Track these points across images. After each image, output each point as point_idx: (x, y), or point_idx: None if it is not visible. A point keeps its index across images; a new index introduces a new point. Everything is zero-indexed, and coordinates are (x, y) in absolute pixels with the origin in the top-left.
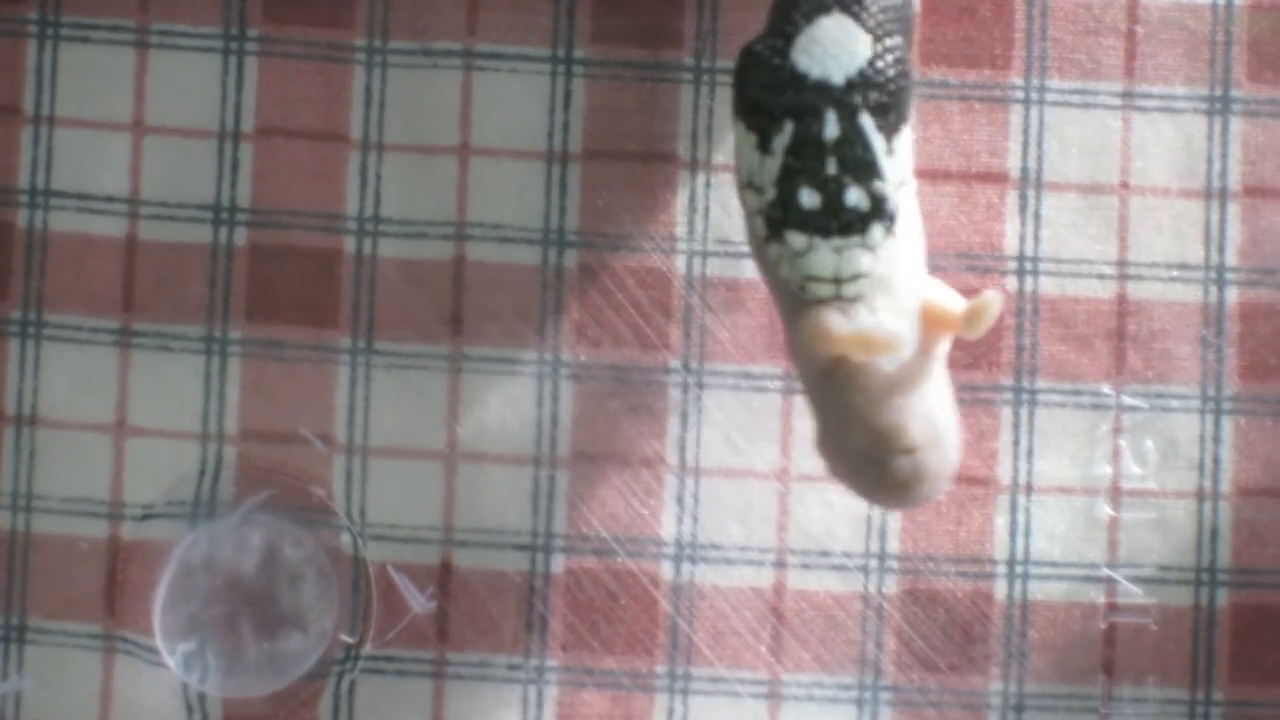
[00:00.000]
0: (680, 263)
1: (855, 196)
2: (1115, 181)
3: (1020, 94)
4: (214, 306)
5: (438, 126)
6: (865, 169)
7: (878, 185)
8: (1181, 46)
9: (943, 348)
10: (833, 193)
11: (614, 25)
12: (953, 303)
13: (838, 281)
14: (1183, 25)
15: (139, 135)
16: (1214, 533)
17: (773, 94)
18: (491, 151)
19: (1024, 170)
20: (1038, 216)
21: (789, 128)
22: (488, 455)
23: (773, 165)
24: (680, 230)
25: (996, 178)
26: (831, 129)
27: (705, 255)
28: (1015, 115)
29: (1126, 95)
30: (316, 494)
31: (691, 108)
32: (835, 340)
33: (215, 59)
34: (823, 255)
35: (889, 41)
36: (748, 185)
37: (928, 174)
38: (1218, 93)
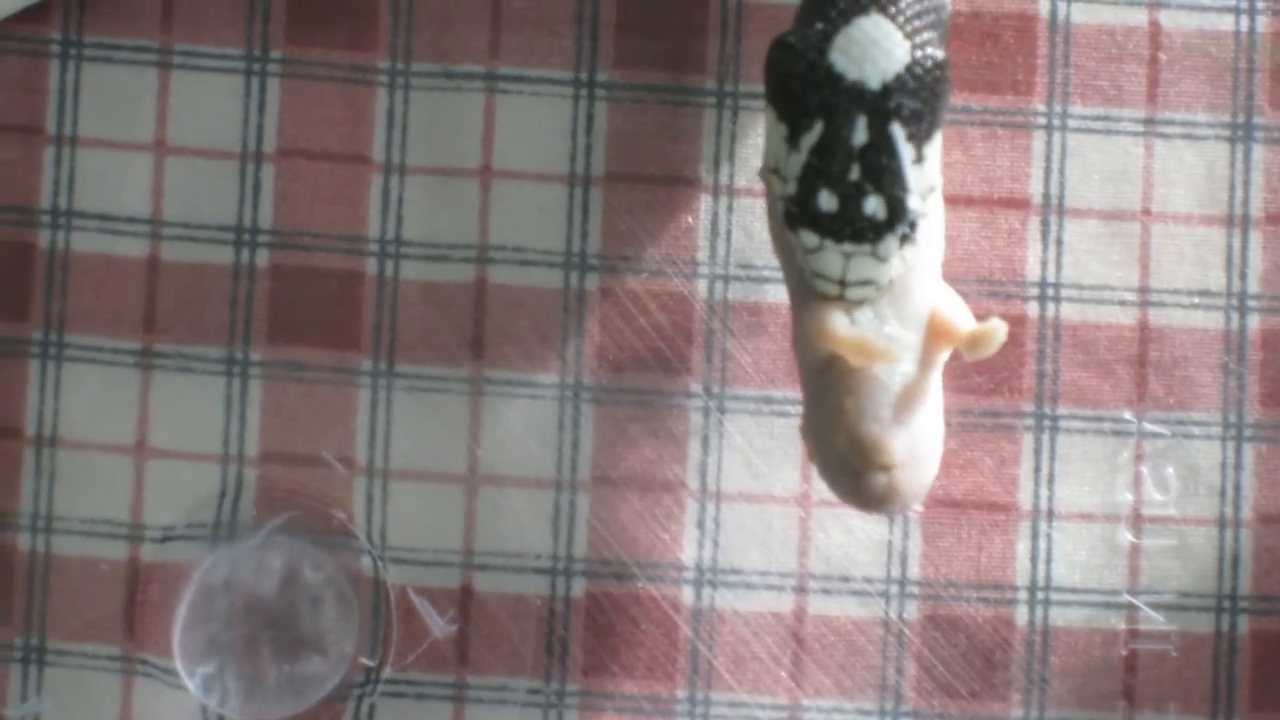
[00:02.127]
0: (702, 286)
1: (874, 205)
2: (1137, 208)
3: (1043, 120)
4: (235, 328)
5: (460, 149)
6: (889, 178)
7: (899, 195)
8: (1204, 73)
9: (942, 359)
10: (852, 199)
11: (636, 49)
12: (960, 318)
13: (843, 284)
14: (1205, 52)
15: (161, 156)
16: (1235, 560)
17: (807, 90)
18: (513, 174)
19: (1046, 196)
20: (1059, 242)
21: (818, 127)
22: (508, 478)
23: (797, 160)
24: (702, 254)
25: (1019, 203)
26: (860, 134)
27: (727, 279)
28: (1038, 141)
29: (1149, 122)
30: (337, 516)
31: (714, 132)
32: (834, 340)
33: (238, 80)
34: (831, 257)
35: (927, 48)
36: (774, 170)
37: (950, 199)
38: (1240, 120)
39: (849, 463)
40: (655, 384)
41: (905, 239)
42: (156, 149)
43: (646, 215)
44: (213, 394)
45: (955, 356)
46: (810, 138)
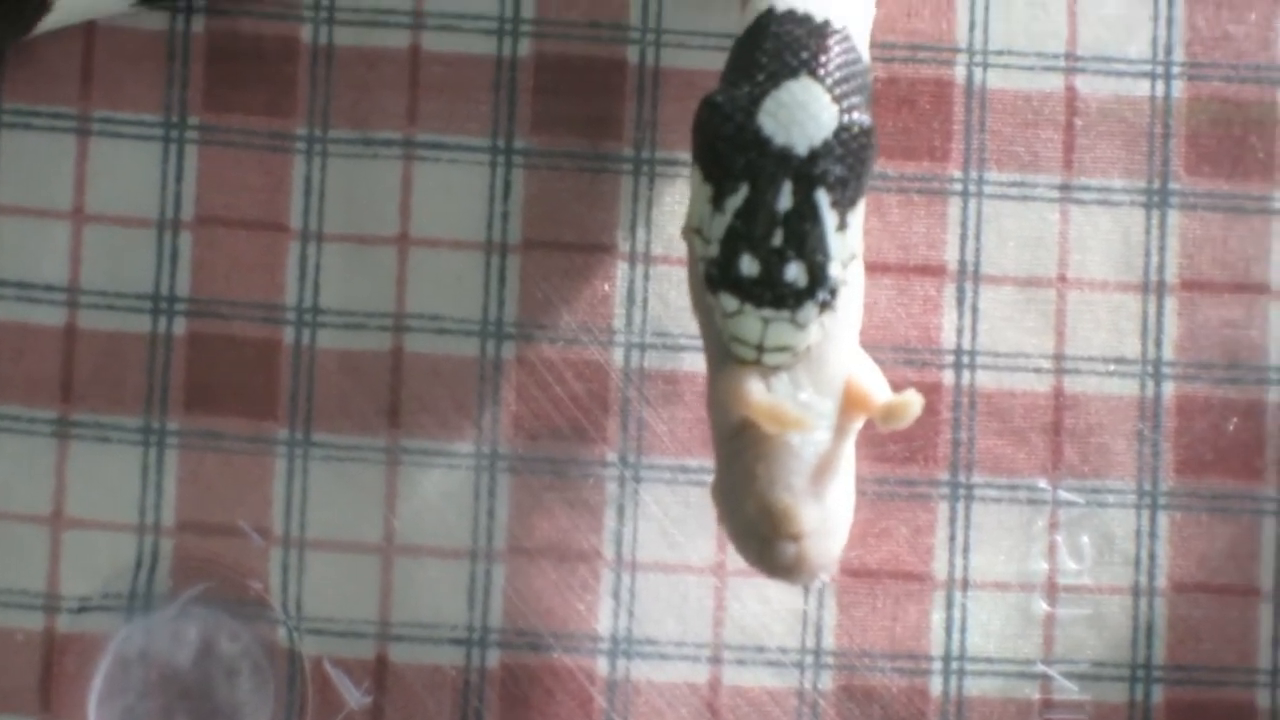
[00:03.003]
0: (618, 355)
1: (795, 272)
2: (1053, 274)
3: (959, 186)
4: (152, 397)
5: (377, 216)
6: (812, 245)
7: (820, 262)
8: (1120, 139)
9: (857, 427)
10: (773, 264)
11: (554, 115)
12: (877, 388)
13: (761, 349)
14: (1121, 118)
15: (79, 223)
16: (1149, 629)
17: (734, 152)
18: (431, 242)
19: (962, 263)
20: (975, 309)
21: (744, 190)
22: (424, 548)
23: (721, 222)
24: (618, 322)
25: (934, 270)
26: (785, 200)
27: (643, 347)
28: (954, 207)
29: (1065, 188)
30: (253, 587)
31: (631, 198)
32: (748, 405)
33: (156, 147)
34: (750, 322)
35: (854, 113)
36: (697, 231)
37: (866, 266)
38: (1155, 185)
39: (758, 529)
40: (571, 453)
41: (825, 306)
42: (74, 216)
43: (563, 283)
44: (129, 463)
45: (870, 424)
46: (735, 200)
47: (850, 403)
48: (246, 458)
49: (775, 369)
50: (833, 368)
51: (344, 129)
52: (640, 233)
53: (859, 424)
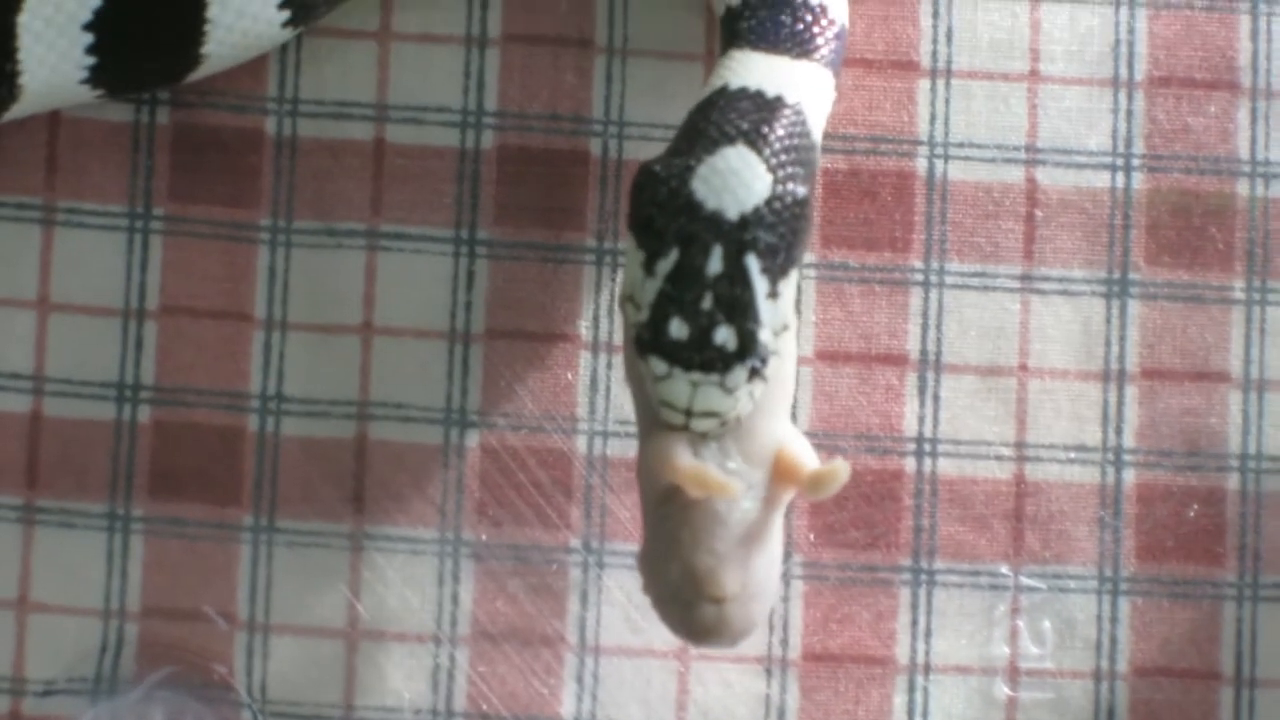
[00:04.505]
0: (581, 443)
1: (724, 335)
2: (1014, 363)
3: (920, 276)
4: (117, 483)
5: (341, 305)
6: (741, 310)
7: (750, 327)
8: (1080, 230)
9: (785, 499)
10: (703, 328)
11: (517, 206)
12: (806, 458)
13: (689, 414)
14: (1081, 209)
15: (44, 312)
16: (1111, 713)
17: (665, 217)
18: (394, 331)
19: (923, 352)
20: (937, 398)
21: (674, 254)
22: (388, 634)
23: (652, 287)
24: (581, 410)
25: (896, 359)
26: (715, 264)
27: (606, 435)
28: (915, 297)
29: (1025, 278)
30: (218, 671)
31: (594, 288)
32: (674, 470)
33: (121, 237)
34: (679, 385)
35: (789, 184)
36: (628, 298)
37: (827, 355)
38: (1116, 276)
39: (681, 593)
40: (534, 539)
41: (754, 374)
42: (40, 305)
43: (526, 371)
44: (94, 549)
45: (829, 511)
46: (666, 264)
47: (780, 474)
48: (211, 543)
49: (704, 437)
50: (762, 439)
51: (308, 219)
52: (603, 322)
53: (789, 495)
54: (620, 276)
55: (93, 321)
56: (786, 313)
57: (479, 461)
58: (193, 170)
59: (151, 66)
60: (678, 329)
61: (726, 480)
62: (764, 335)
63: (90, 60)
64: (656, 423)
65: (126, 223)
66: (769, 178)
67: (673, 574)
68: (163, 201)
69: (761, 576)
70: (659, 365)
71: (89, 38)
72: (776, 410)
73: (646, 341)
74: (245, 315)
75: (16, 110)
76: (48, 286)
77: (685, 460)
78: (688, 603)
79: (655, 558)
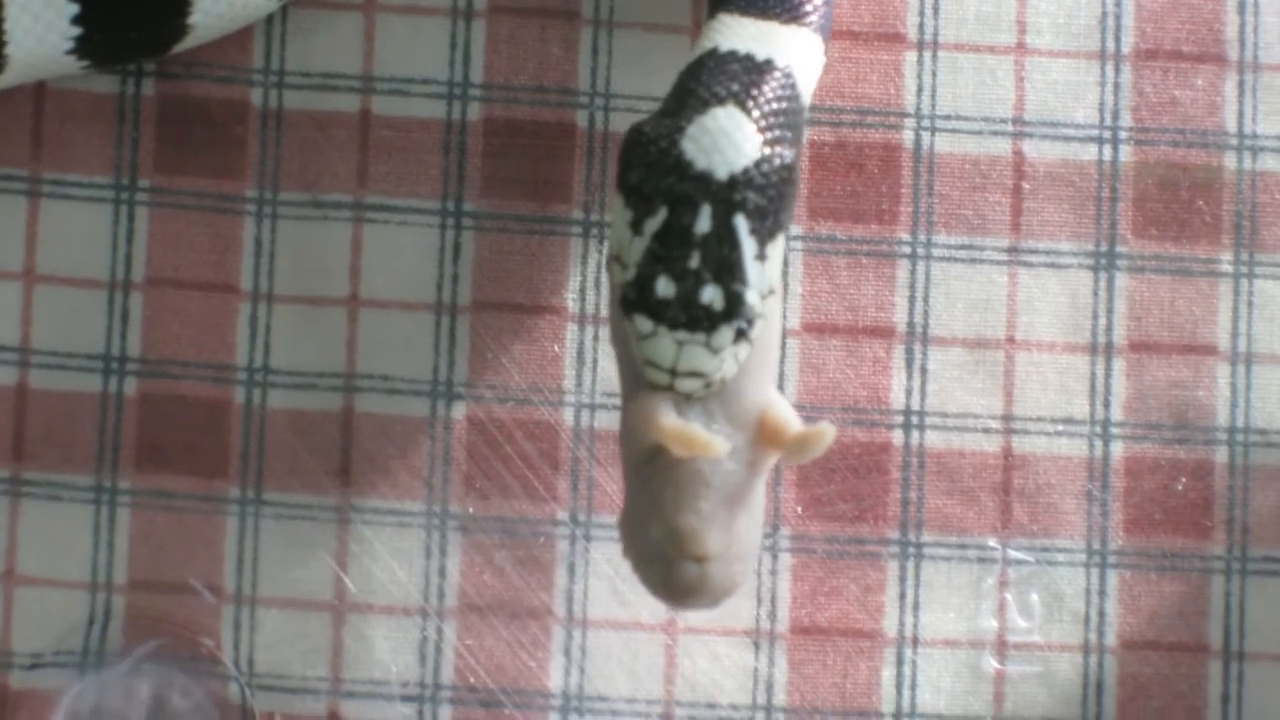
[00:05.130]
0: (568, 415)
1: (711, 294)
2: (1001, 336)
3: (907, 249)
4: (103, 456)
5: (327, 278)
6: (728, 270)
7: (737, 288)
8: (1067, 202)
9: (769, 463)
10: (689, 287)
11: (503, 178)
12: (790, 422)
13: (674, 373)
14: (1069, 181)
15: (30, 284)
16: (1099, 686)
17: (654, 176)
18: (381, 303)
19: (910, 325)
20: (924, 370)
21: (662, 213)
22: (375, 606)
23: (640, 245)
24: (568, 383)
25: (883, 332)
26: (703, 223)
27: (593, 408)
28: (902, 270)
29: (1013, 250)
30: (205, 644)
31: (580, 260)
32: (658, 429)
33: (106, 209)
34: (664, 344)
35: (778, 147)
36: (615, 259)
37: (815, 327)
38: (1103, 248)
39: (663, 552)
40: (521, 512)
41: (740, 335)
42: (25, 277)
43: (513, 344)
44: (81, 522)
45: (817, 484)
46: (654, 223)
47: (765, 437)
48: (198, 516)
49: (688, 398)
50: (747, 403)
51: (294, 191)
52: (590, 294)
53: (773, 459)
54: (607, 245)
55: (78, 293)
56: (773, 276)
57: (466, 434)
58: (178, 142)
59: (137, 37)
60: (664, 287)
61: (711, 438)
62: (751, 297)
63: (76, 31)
64: (641, 384)
65: (112, 194)
66: (758, 139)
67: (655, 533)
68: (148, 173)
69: (744, 539)
70: (644, 324)
71: (74, 8)
72: (761, 375)
73: (633, 300)
74: (231, 287)
75: (1, 81)
76: (33, 258)
77: (670, 419)
78: (670, 561)
79: (637, 518)
